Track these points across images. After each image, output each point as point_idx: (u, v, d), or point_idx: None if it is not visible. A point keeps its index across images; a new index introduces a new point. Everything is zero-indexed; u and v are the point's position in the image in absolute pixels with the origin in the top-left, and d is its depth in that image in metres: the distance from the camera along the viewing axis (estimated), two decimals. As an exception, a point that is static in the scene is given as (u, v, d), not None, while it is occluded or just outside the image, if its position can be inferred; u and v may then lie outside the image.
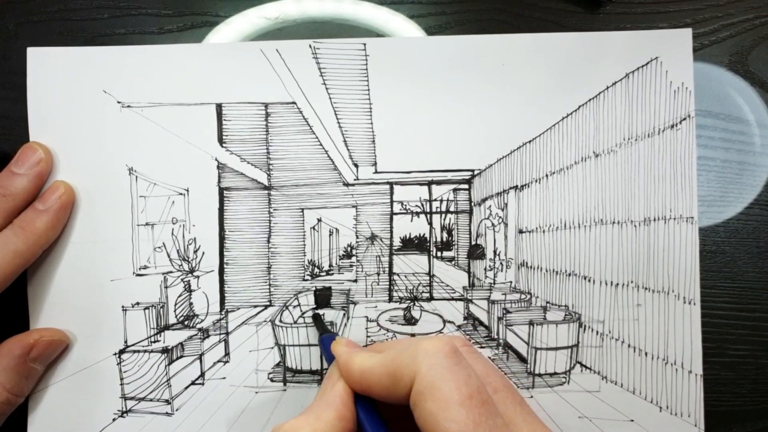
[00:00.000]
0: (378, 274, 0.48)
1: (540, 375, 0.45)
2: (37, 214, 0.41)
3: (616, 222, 0.44)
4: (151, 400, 0.44)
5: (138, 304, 0.44)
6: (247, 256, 0.46)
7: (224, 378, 0.44)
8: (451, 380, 0.29)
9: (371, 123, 0.44)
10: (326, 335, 0.40)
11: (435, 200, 0.47)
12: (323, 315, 0.46)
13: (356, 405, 0.32)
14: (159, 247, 0.44)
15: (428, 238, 0.48)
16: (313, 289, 0.47)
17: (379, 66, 0.44)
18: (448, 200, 0.47)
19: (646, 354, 0.44)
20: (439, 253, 0.48)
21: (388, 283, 0.48)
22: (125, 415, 0.43)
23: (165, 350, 0.44)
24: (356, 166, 0.47)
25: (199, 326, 0.45)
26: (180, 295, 0.45)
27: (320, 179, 0.46)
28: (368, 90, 0.44)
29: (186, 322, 0.45)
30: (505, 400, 0.31)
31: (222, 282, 0.45)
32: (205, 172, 0.44)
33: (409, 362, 0.30)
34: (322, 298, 0.49)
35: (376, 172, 0.46)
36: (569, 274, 0.45)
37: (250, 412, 0.44)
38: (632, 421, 0.43)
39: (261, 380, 0.44)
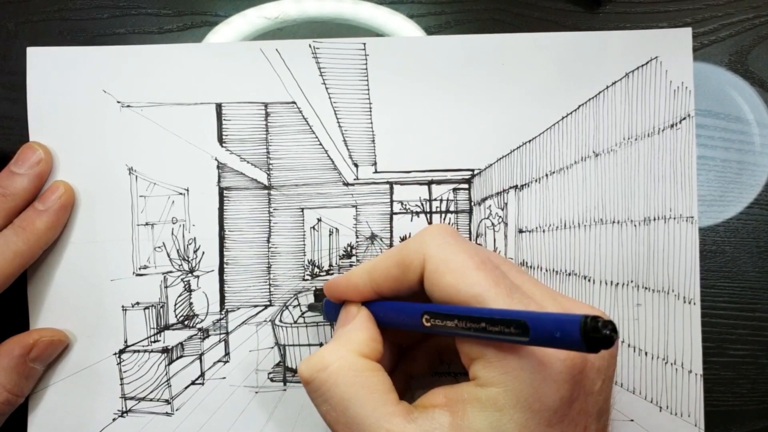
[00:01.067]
0: (378, 273, 0.48)
1: (540, 375, 0.45)
2: (37, 214, 0.41)
3: (616, 221, 0.44)
4: (151, 400, 0.44)
5: (138, 304, 0.44)
6: (247, 256, 0.46)
7: (224, 378, 0.44)
8: (461, 252, 0.29)
9: (371, 122, 0.45)
10: (326, 300, 0.39)
11: (435, 200, 0.47)
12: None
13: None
14: (159, 247, 0.44)
15: (428, 238, 0.48)
16: (313, 289, 0.47)
17: (378, 66, 0.44)
18: (448, 200, 0.47)
19: (645, 353, 0.44)
20: (439, 253, 0.48)
21: (388, 282, 0.48)
22: (125, 415, 0.43)
23: (165, 350, 0.44)
24: (356, 165, 0.47)
25: (199, 326, 0.45)
26: (180, 295, 0.45)
27: (320, 179, 0.46)
28: (368, 90, 0.44)
29: (186, 322, 0.45)
30: (510, 270, 0.32)
31: (222, 282, 0.45)
32: (205, 172, 0.44)
33: (417, 247, 0.30)
34: (322, 297, 0.49)
35: (375, 171, 0.46)
36: (569, 274, 0.45)
37: (250, 412, 0.44)
38: (632, 420, 0.43)
39: (261, 380, 0.44)
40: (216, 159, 0.45)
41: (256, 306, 0.46)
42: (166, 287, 0.45)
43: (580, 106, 0.44)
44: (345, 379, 0.29)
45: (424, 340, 0.40)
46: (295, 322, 0.47)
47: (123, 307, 0.43)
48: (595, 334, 0.22)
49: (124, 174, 0.44)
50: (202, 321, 0.45)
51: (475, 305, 0.28)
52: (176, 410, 0.44)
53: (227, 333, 0.45)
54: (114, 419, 0.43)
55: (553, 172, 0.45)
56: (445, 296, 0.29)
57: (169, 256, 0.45)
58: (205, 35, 0.45)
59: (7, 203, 0.40)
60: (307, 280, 0.47)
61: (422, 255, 0.30)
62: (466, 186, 0.47)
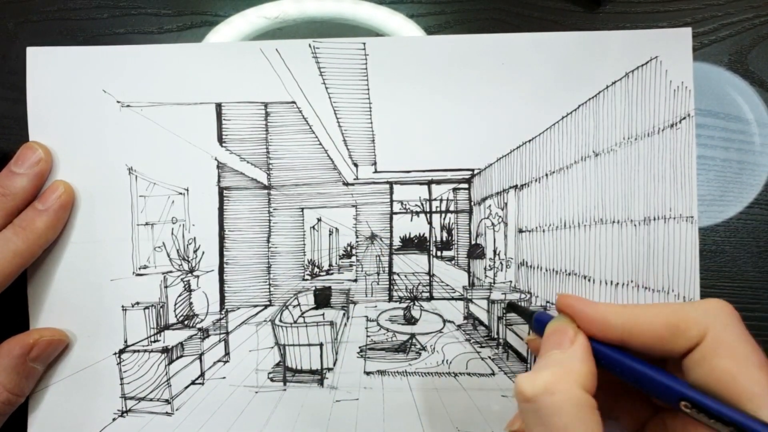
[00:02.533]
0: (378, 273, 0.48)
1: (540, 374, 0.44)
2: (36, 213, 0.41)
3: (616, 221, 0.44)
4: (151, 399, 0.44)
5: (138, 303, 0.44)
6: (246, 256, 0.46)
7: (224, 378, 0.44)
8: (747, 342, 0.29)
9: (371, 122, 0.44)
10: (538, 313, 0.37)
11: (435, 200, 0.47)
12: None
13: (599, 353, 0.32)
14: (159, 247, 0.44)
15: (428, 238, 0.48)
16: (313, 288, 0.47)
17: (378, 65, 0.44)
18: (447, 200, 0.47)
19: (646, 353, 0.43)
20: (438, 253, 0.48)
21: (387, 282, 0.48)
22: (125, 414, 0.43)
23: (165, 350, 0.44)
24: (356, 165, 0.47)
25: (199, 326, 0.45)
26: (180, 295, 0.45)
27: (320, 179, 0.46)
28: (368, 89, 0.44)
29: (186, 322, 0.45)
30: None
31: (222, 282, 0.45)
32: (205, 172, 0.44)
33: (699, 318, 0.30)
34: (322, 297, 0.49)
35: (375, 171, 0.46)
36: (569, 274, 0.45)
37: (250, 412, 0.44)
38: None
39: (261, 380, 0.44)
40: (216, 159, 0.45)
41: (256, 306, 0.46)
42: (166, 287, 0.45)
43: (580, 105, 0.44)
44: (568, 410, 0.28)
45: (603, 389, 0.35)
46: (295, 322, 0.47)
47: (123, 307, 0.43)
48: None
49: (124, 174, 0.44)
50: (202, 321, 0.45)
51: (747, 404, 0.27)
52: (176, 410, 0.44)
53: (227, 333, 0.45)
54: (114, 419, 0.43)
55: (553, 172, 0.45)
56: (712, 380, 0.28)
57: (168, 256, 0.45)
58: (205, 35, 0.45)
59: (7, 203, 0.40)
60: (306, 279, 0.47)
61: (704, 328, 0.29)
62: (466, 186, 0.47)
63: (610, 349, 0.32)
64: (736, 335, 0.29)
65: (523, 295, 0.47)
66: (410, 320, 0.47)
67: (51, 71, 0.43)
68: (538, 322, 0.36)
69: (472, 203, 0.48)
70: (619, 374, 0.32)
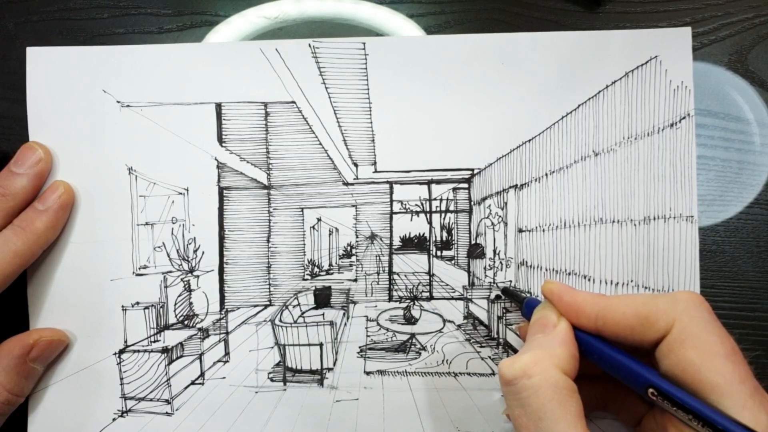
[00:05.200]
0: (378, 273, 0.48)
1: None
2: (36, 214, 0.41)
3: (616, 221, 0.44)
4: (151, 399, 0.44)
5: (138, 303, 0.44)
6: (246, 256, 0.46)
7: (224, 378, 0.44)
8: (714, 333, 0.29)
9: (371, 122, 0.44)
10: (528, 299, 0.39)
11: (435, 199, 0.47)
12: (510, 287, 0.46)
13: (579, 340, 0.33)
14: (159, 247, 0.44)
15: (428, 238, 0.48)
16: (313, 288, 0.47)
17: (378, 65, 0.44)
18: (447, 199, 0.47)
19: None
20: (438, 253, 0.48)
21: (387, 282, 0.48)
22: (125, 414, 0.43)
23: (165, 350, 0.44)
24: (356, 165, 0.47)
25: (198, 326, 0.45)
26: (180, 295, 0.45)
27: (320, 178, 0.46)
28: (368, 89, 0.44)
29: (186, 322, 0.45)
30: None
31: (222, 282, 0.45)
32: (205, 172, 0.44)
33: (668, 309, 0.30)
34: (322, 297, 0.49)
35: (375, 171, 0.46)
36: (569, 273, 0.45)
37: (250, 412, 0.44)
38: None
39: (261, 380, 0.44)
40: (216, 159, 0.45)
41: (255, 306, 0.46)
42: (166, 287, 0.45)
43: (579, 105, 0.44)
44: (545, 392, 0.29)
45: (597, 381, 0.37)
46: (295, 322, 0.47)
47: (123, 307, 0.43)
48: None
49: (124, 174, 0.44)
50: (202, 321, 0.45)
51: (710, 394, 0.27)
52: (176, 410, 0.44)
53: (227, 333, 0.45)
54: (114, 419, 0.43)
55: (553, 172, 0.45)
56: (679, 370, 0.29)
57: (168, 256, 0.45)
58: (205, 35, 0.45)
59: (7, 203, 0.40)
60: (306, 279, 0.47)
61: (672, 319, 0.30)
62: (465, 185, 0.47)
63: (588, 336, 0.33)
64: (703, 326, 0.29)
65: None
66: (410, 320, 0.47)
67: (51, 71, 0.43)
68: (528, 307, 0.38)
69: (472, 203, 0.48)
70: (597, 361, 0.33)
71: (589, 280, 0.44)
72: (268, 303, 0.46)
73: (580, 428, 0.28)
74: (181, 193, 0.44)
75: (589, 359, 0.33)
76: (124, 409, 0.43)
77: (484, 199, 0.48)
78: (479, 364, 0.44)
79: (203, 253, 0.45)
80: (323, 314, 0.47)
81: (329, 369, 0.45)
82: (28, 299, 0.43)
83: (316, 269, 0.48)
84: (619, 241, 0.44)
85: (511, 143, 0.44)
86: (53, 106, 0.43)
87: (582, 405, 0.30)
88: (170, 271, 0.45)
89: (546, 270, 0.46)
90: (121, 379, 0.43)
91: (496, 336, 0.46)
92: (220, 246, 0.45)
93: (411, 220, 0.47)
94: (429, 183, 0.46)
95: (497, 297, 0.46)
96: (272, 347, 0.45)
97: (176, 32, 0.45)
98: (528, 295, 0.43)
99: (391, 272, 0.48)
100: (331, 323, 0.46)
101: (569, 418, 0.28)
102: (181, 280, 0.45)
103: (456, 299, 0.48)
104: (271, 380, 0.44)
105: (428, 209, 0.47)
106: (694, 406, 0.28)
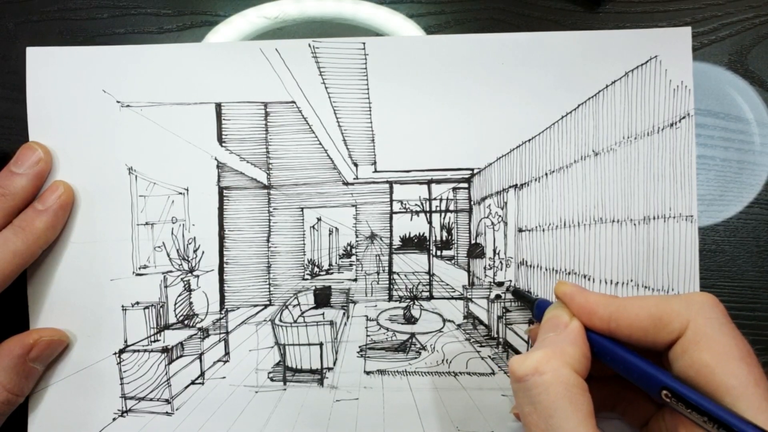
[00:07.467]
0: (378, 273, 0.48)
1: (540, 374, 0.44)
2: (36, 213, 0.41)
3: (616, 220, 0.44)
4: (151, 399, 0.44)
5: (138, 303, 0.44)
6: (246, 256, 0.46)
7: (224, 377, 0.44)
8: (728, 335, 0.29)
9: (370, 122, 0.45)
10: (540, 300, 0.39)
11: (434, 199, 0.47)
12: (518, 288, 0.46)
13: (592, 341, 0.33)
14: (159, 247, 0.44)
15: (428, 237, 0.48)
16: (313, 288, 0.47)
17: (378, 65, 0.44)
18: (447, 199, 0.47)
19: (646, 353, 0.43)
20: (438, 252, 0.48)
21: (387, 282, 0.48)
22: (125, 414, 0.43)
23: (165, 350, 0.44)
24: (356, 165, 0.47)
25: (198, 326, 0.45)
26: (180, 295, 0.45)
27: (320, 178, 0.46)
28: (367, 89, 0.44)
29: (186, 322, 0.45)
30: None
31: (222, 281, 0.45)
32: (205, 172, 0.44)
33: (682, 310, 0.30)
34: (322, 297, 0.49)
35: (375, 171, 0.46)
36: (569, 273, 0.45)
37: (250, 412, 0.44)
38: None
39: (261, 380, 0.44)
40: (216, 158, 0.45)
41: (255, 306, 0.46)
42: (166, 287, 0.45)
43: (579, 105, 0.44)
44: (556, 389, 0.29)
45: (605, 382, 0.37)
46: (295, 322, 0.47)
47: (123, 306, 0.43)
48: None
49: (124, 174, 0.44)
50: (202, 321, 0.45)
51: (724, 397, 0.27)
52: (176, 410, 0.44)
53: (227, 333, 0.45)
54: (114, 419, 0.43)
55: (553, 171, 0.45)
56: (693, 372, 0.29)
57: (168, 255, 0.45)
58: (205, 35, 0.45)
59: (7, 203, 0.40)
60: (306, 279, 0.47)
61: (686, 321, 0.30)
62: (465, 185, 0.47)
63: (600, 337, 0.33)
64: (717, 328, 0.29)
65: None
66: (410, 320, 0.47)
67: (51, 71, 0.43)
68: (539, 308, 0.37)
69: (472, 203, 0.48)
70: (610, 362, 0.32)
71: (588, 279, 0.44)
72: (268, 303, 0.46)
73: (590, 426, 0.28)
74: (181, 193, 0.44)
75: (602, 361, 0.33)
76: (124, 409, 0.43)
77: (484, 198, 0.48)
78: (479, 364, 0.44)
79: (203, 252, 0.45)
80: (323, 314, 0.47)
81: (329, 369, 0.45)
82: (28, 299, 0.43)
83: (316, 269, 0.48)
84: (619, 241, 0.44)
85: (511, 143, 0.44)
86: (53, 106, 0.43)
87: (592, 404, 0.29)
88: (170, 271, 0.45)
89: (546, 269, 0.46)
90: (121, 378, 0.43)
91: (496, 335, 0.46)
92: (220, 246, 0.45)
93: (411, 219, 0.47)
94: (429, 183, 0.46)
95: (497, 297, 0.46)
96: (272, 347, 0.45)
97: (176, 32, 0.45)
98: (538, 296, 0.43)
99: (391, 272, 0.48)
100: (331, 323, 0.46)
101: (579, 416, 0.28)
102: (181, 279, 0.45)
103: (456, 299, 0.48)
104: (271, 380, 0.44)
105: (428, 209, 0.47)
106: (710, 409, 0.27)
